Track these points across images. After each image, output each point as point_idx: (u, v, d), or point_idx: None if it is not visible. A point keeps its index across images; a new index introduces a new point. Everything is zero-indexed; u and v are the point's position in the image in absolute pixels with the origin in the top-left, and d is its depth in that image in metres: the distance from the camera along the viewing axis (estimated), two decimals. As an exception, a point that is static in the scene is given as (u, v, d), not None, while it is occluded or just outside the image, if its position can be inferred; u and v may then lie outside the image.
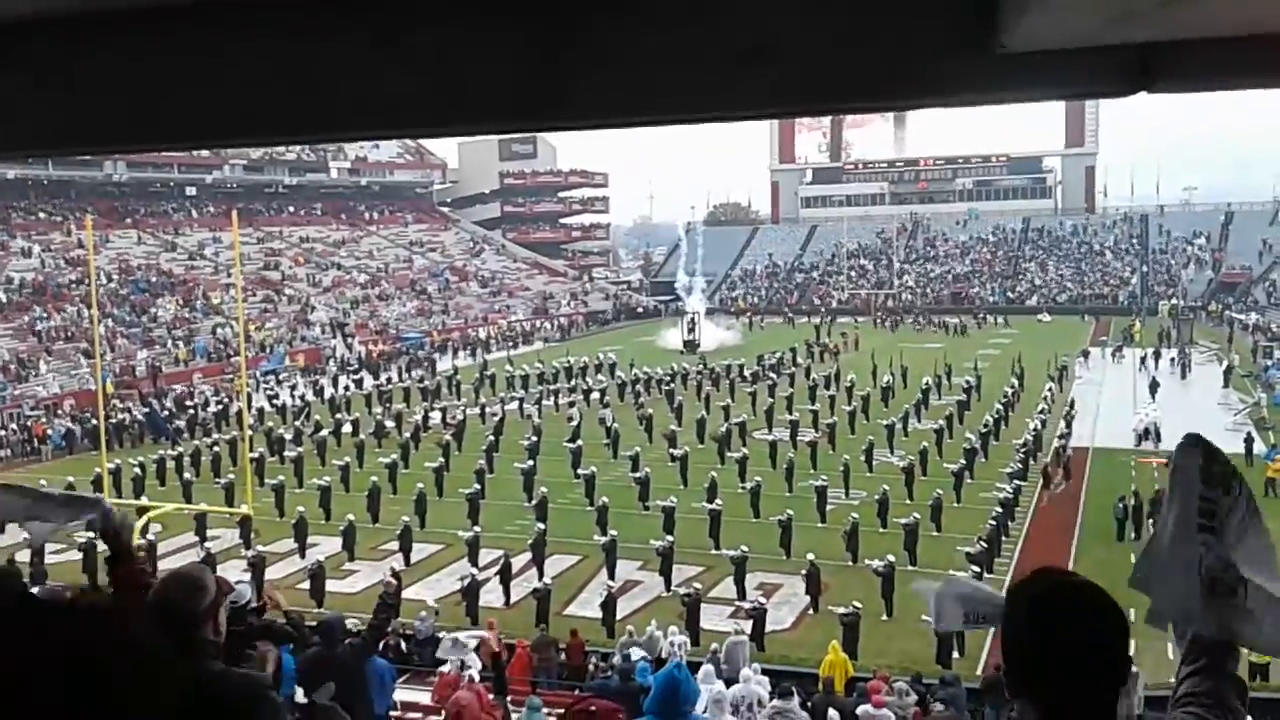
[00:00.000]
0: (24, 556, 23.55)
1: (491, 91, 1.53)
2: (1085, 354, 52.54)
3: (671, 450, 31.77)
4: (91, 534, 24.06)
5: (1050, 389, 41.01)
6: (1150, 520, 24.44)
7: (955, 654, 18.35)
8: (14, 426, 40.21)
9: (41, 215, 67.22)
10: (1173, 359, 49.26)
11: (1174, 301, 68.52)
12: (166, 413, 41.88)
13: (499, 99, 1.54)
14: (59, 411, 42.23)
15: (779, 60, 1.38)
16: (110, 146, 1.86)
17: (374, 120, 1.63)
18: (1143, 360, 47.94)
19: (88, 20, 1.58)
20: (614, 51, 1.51)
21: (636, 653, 14.51)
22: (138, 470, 31.08)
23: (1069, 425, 33.80)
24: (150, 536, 24.26)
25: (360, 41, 1.54)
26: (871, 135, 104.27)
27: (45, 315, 53.54)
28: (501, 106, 1.54)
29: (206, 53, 1.58)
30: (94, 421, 34.00)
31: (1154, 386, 41.73)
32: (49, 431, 39.22)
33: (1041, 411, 35.99)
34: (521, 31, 1.48)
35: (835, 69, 1.40)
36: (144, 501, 27.52)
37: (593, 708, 3.41)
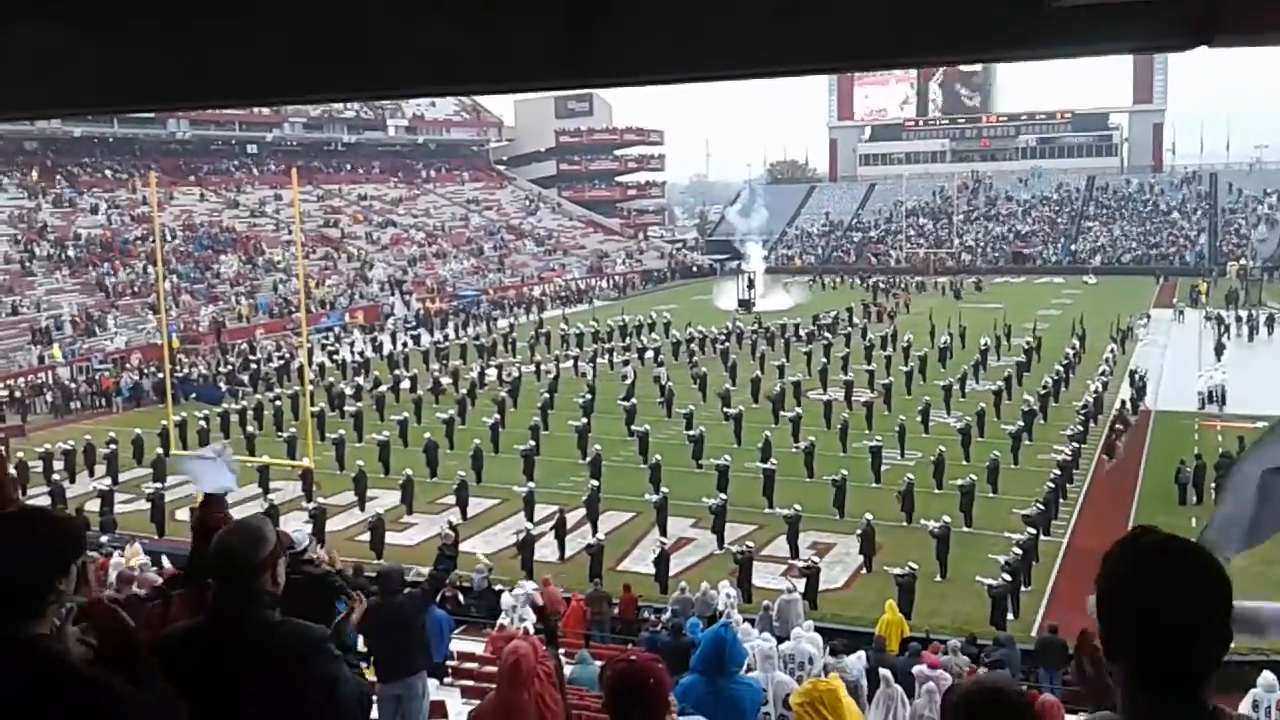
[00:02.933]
0: (94, 506, 24.26)
1: (532, 47, 1.53)
2: (1147, 316, 51.24)
3: (725, 409, 31.75)
4: (159, 484, 24.73)
5: (1112, 350, 40.28)
6: (1213, 485, 24.01)
7: (1010, 615, 18.25)
8: (83, 380, 41.24)
9: (108, 173, 68.48)
10: (1239, 319, 48.01)
11: (1243, 262, 66.75)
12: (229, 366, 42.65)
13: (540, 54, 1.54)
14: (127, 365, 43.22)
15: (823, 15, 1.37)
16: (154, 104, 1.87)
17: (417, 76, 1.63)
18: (1217, 320, 46.64)
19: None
20: (660, 5, 1.50)
21: (691, 621, 14.57)
22: (203, 423, 31.78)
23: (1140, 393, 33.15)
24: (215, 488, 24.79)
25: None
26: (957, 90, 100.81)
27: (112, 271, 54.69)
28: (542, 62, 1.54)
29: (251, 8, 1.60)
30: (160, 375, 34.74)
31: (1219, 349, 40.80)
32: (119, 383, 40.16)
33: (1103, 374, 35.38)
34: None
35: (881, 24, 1.38)
36: (208, 454, 28.09)
37: (633, 658, 3.44)
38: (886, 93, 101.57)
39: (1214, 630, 1.70)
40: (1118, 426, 28.84)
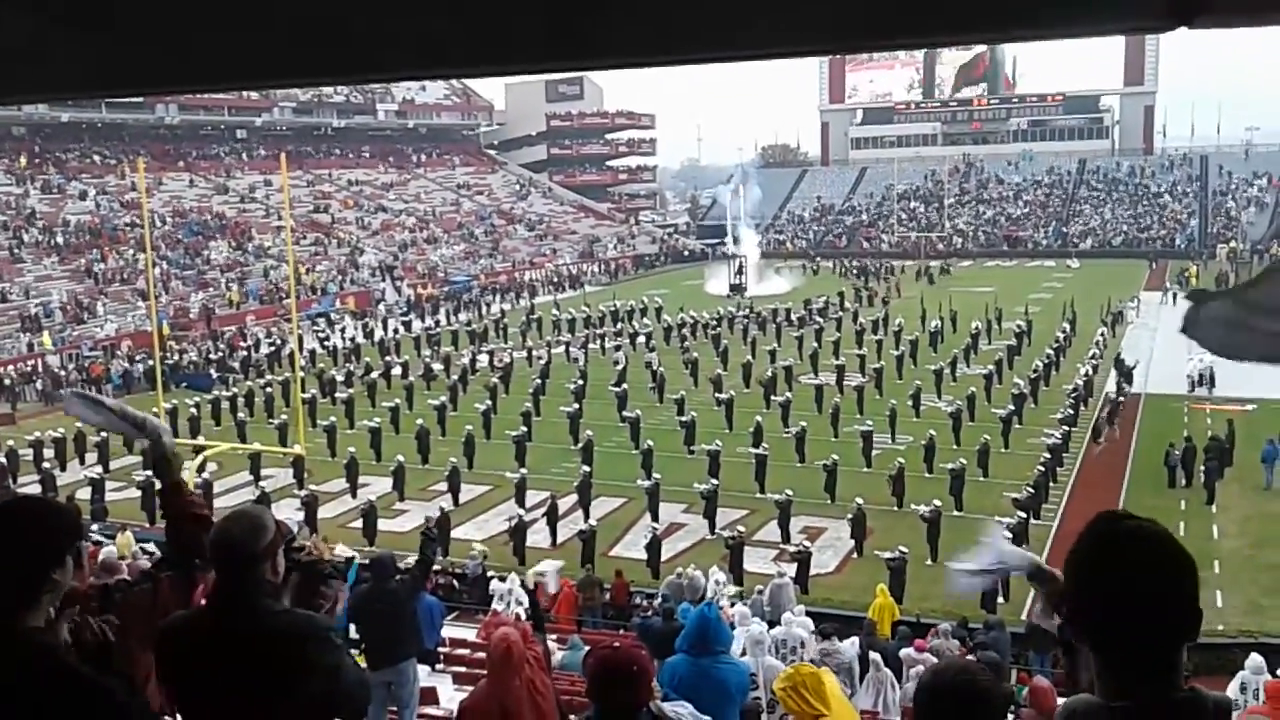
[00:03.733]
0: (85, 494, 24.22)
1: (520, 29, 1.53)
2: (1136, 299, 51.22)
3: (717, 394, 31.80)
4: (150, 472, 24.71)
5: (1102, 334, 40.39)
6: (1202, 468, 24.13)
7: (1000, 599, 18.33)
8: (72, 367, 41.12)
9: (96, 159, 68.12)
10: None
11: (1233, 244, 66.90)
12: (220, 353, 42.56)
13: (527, 37, 1.54)
14: (117, 353, 43.09)
15: (805, -2, 1.37)
16: (141, 89, 1.86)
17: (404, 60, 1.62)
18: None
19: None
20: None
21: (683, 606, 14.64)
22: (194, 410, 31.73)
23: (1127, 378, 33.22)
24: (206, 475, 24.80)
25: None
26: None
27: (101, 258, 54.46)
28: (530, 45, 1.54)
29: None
30: (151, 363, 34.65)
31: (1210, 332, 40.85)
32: (109, 370, 40.05)
33: (1093, 357, 35.48)
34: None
35: (861, 7, 1.38)
36: (200, 441, 28.09)
37: (616, 644, 3.47)
38: (891, 76, 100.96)
39: (1182, 611, 1.71)
40: (1105, 411, 28.95)
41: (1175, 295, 52.56)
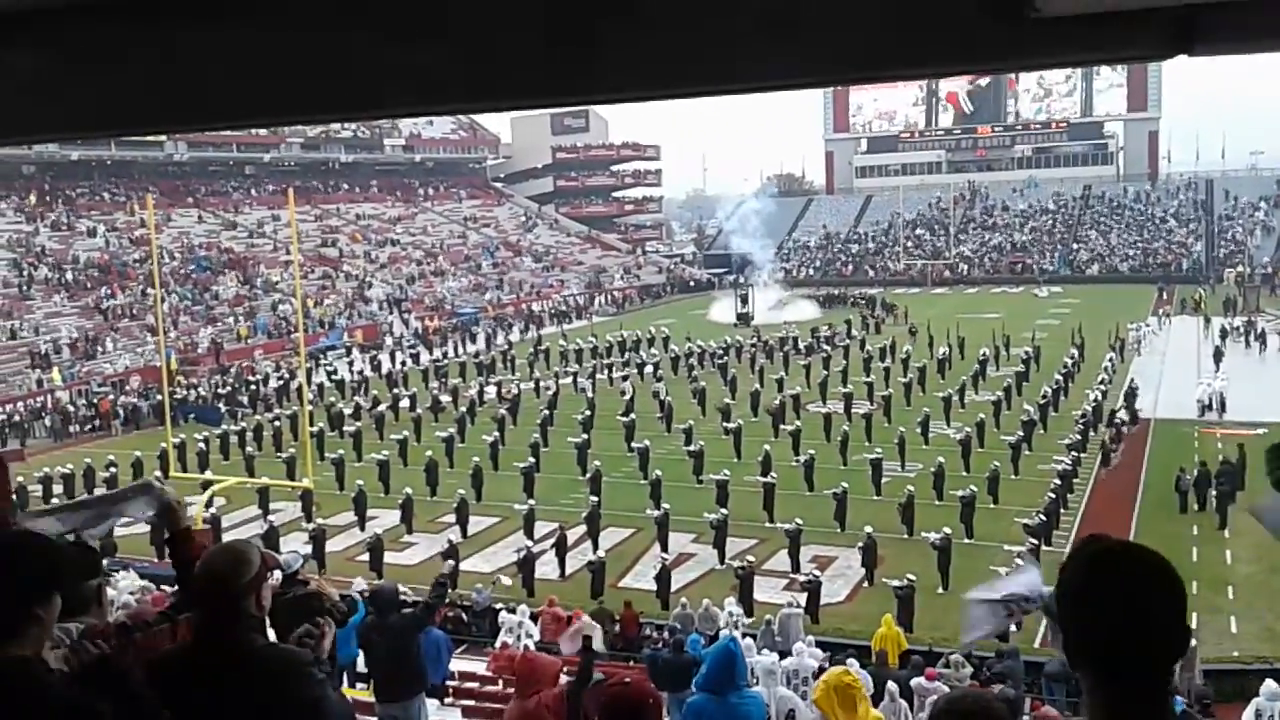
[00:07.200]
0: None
1: (525, 66, 1.54)
2: (1144, 325, 51.05)
3: (725, 423, 31.72)
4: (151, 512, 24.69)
5: (1111, 359, 40.29)
6: (1213, 493, 23.96)
7: (1013, 627, 18.19)
8: (82, 403, 41.21)
9: (105, 196, 68.59)
10: (1238, 328, 48.00)
11: (1240, 269, 66.77)
12: (229, 388, 42.60)
13: (532, 73, 1.55)
14: (126, 388, 43.18)
15: (809, 30, 1.38)
16: (149, 127, 1.89)
17: (406, 96, 1.64)
18: (1220, 330, 46.62)
19: (126, 1, 1.61)
20: (646, 23, 1.51)
21: (692, 638, 14.53)
22: (202, 445, 31.73)
23: (1129, 402, 33.12)
24: (214, 510, 24.78)
25: (394, 17, 1.56)
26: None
27: (111, 294, 54.70)
28: (529, 81, 1.55)
29: (244, 32, 1.61)
30: (160, 397, 34.70)
31: (1218, 356, 40.79)
32: (118, 408, 40.10)
33: (1102, 382, 35.36)
34: (554, 4, 1.49)
35: (865, 38, 1.39)
36: (208, 475, 28.10)
37: (627, 679, 3.43)
38: (897, 95, 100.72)
39: (1169, 633, 1.71)
40: (1111, 437, 28.85)
41: (1170, 318, 53.03)
